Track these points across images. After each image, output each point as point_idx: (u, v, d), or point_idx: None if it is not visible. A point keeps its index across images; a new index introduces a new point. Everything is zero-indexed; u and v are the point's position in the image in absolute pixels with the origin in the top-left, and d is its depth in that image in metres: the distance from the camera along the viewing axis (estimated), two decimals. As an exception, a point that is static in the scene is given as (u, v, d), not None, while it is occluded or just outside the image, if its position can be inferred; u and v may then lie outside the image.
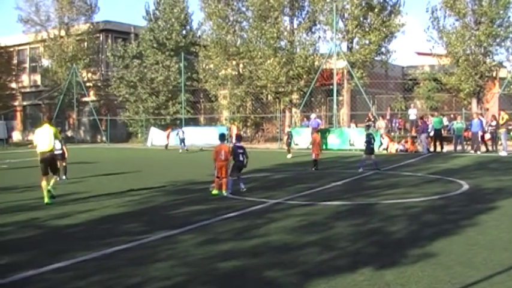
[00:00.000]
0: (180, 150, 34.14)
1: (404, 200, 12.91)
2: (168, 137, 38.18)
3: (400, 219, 10.54)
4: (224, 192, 14.30)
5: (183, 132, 35.72)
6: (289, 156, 26.95)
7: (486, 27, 34.90)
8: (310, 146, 22.43)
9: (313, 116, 34.29)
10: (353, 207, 12.14)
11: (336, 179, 17.44)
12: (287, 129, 30.11)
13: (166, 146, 37.36)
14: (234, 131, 30.77)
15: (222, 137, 15.36)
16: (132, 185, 16.76)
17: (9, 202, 13.73)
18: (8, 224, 10.76)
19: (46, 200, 13.46)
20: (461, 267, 7.14)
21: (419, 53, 50.71)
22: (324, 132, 33.56)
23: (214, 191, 14.42)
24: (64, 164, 19.43)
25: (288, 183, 17.04)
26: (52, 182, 14.05)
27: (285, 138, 29.69)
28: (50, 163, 13.92)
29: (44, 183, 13.59)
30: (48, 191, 13.65)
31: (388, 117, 38.48)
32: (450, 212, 11.41)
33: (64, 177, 19.14)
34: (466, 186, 15.10)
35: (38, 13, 51.89)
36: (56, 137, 14.56)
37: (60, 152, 19.08)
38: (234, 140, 15.91)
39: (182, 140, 35.00)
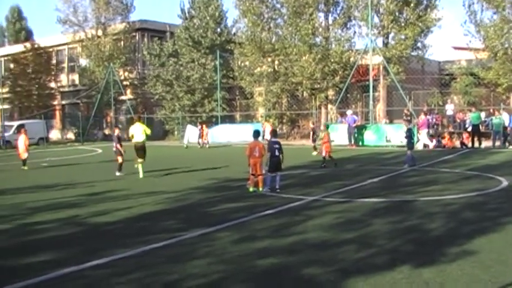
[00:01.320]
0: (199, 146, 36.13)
1: (442, 197, 12.76)
2: (205, 135, 37.56)
3: (438, 216, 10.43)
4: (261, 189, 14.34)
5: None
6: (314, 153, 26.56)
7: (526, 20, 34.25)
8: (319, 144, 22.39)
9: (349, 112, 34.10)
10: (390, 204, 12.05)
11: (373, 175, 17.32)
12: (311, 126, 29.85)
13: (203, 144, 36.90)
14: (268, 128, 30.18)
15: (257, 134, 15.24)
16: (169, 182, 16.98)
17: (50, 200, 14.01)
18: (49, 221, 10.98)
19: (141, 176, 18.89)
20: (501, 266, 7.05)
21: (456, 48, 49.90)
22: (360, 129, 33.35)
23: (251, 188, 14.47)
24: (121, 160, 19.87)
25: (325, 180, 16.98)
26: (140, 166, 19.03)
27: (311, 134, 29.46)
28: (142, 150, 19.28)
29: (139, 161, 19.13)
30: (142, 172, 19.00)
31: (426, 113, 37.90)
32: (489, 209, 11.25)
33: (118, 173, 19.58)
34: (505, 183, 14.85)
35: (75, 14, 52.61)
36: (145, 132, 19.46)
37: (115, 149, 19.87)
38: (266, 137, 15.82)
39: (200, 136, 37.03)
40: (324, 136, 21.46)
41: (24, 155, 24.18)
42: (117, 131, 21.98)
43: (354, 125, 32.86)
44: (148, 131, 19.76)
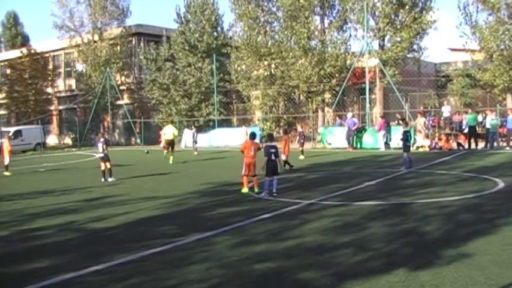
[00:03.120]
0: (196, 152, 33.37)
1: (439, 199, 12.81)
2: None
3: (434, 219, 10.48)
4: (256, 190, 14.50)
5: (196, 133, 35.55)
6: (301, 157, 26.32)
7: (521, 21, 34.27)
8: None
9: (349, 115, 34.04)
10: (387, 207, 12.10)
11: (370, 178, 17.34)
12: (299, 129, 29.76)
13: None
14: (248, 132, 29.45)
15: (253, 136, 15.54)
16: (166, 187, 17.04)
17: (48, 205, 14.06)
18: (48, 227, 11.02)
19: (171, 162, 26.43)
20: (497, 267, 7.10)
21: (452, 49, 49.97)
22: (357, 131, 33.36)
23: (244, 190, 14.57)
24: (109, 166, 19.84)
25: (322, 183, 17.03)
26: (171, 156, 26.99)
27: (297, 138, 29.28)
28: (171, 145, 27.84)
29: (167, 153, 27.81)
30: (171, 160, 26.67)
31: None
32: (486, 211, 11.31)
33: (110, 179, 19.57)
34: (501, 184, 14.91)
35: (72, 19, 52.58)
36: (174, 132, 28.65)
37: (102, 154, 19.71)
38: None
39: (195, 142, 34.85)
40: (286, 140, 21.60)
41: (7, 161, 24.39)
42: (102, 137, 21.05)
43: (354, 127, 32.80)
44: (176, 132, 29.65)
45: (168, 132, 28.42)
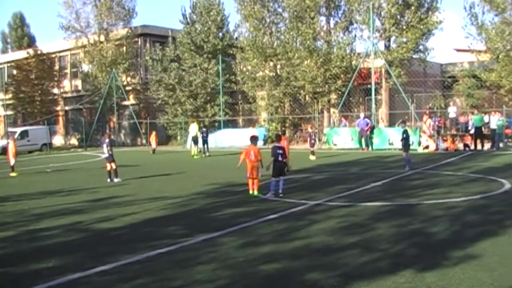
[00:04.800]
0: (207, 153, 32.70)
1: (445, 200, 12.78)
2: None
3: (441, 219, 10.46)
4: (256, 192, 14.65)
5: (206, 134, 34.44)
6: (312, 158, 26.54)
7: (527, 21, 34.18)
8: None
9: (361, 115, 33.95)
10: (394, 208, 12.08)
11: (376, 179, 17.33)
12: (309, 131, 29.77)
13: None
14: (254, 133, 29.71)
15: (253, 139, 15.60)
16: (172, 188, 17.05)
17: (54, 206, 14.09)
18: (53, 228, 11.05)
19: (196, 157, 30.69)
20: (504, 268, 7.08)
21: (458, 50, 49.83)
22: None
23: (250, 192, 14.66)
24: (114, 166, 19.85)
25: (328, 184, 17.02)
26: (197, 151, 31.92)
27: (308, 139, 29.25)
28: (196, 140, 32.50)
29: (195, 149, 32.12)
30: (196, 155, 31.41)
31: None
32: (492, 212, 11.27)
33: (116, 179, 19.59)
34: (508, 185, 14.86)
35: (78, 20, 52.73)
36: (197, 130, 33.53)
37: (107, 155, 19.70)
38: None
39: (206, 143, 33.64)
40: (285, 141, 21.51)
41: (12, 161, 24.48)
42: (107, 138, 20.97)
43: (367, 128, 32.60)
44: (197, 133, 33.22)
45: (193, 130, 33.37)
